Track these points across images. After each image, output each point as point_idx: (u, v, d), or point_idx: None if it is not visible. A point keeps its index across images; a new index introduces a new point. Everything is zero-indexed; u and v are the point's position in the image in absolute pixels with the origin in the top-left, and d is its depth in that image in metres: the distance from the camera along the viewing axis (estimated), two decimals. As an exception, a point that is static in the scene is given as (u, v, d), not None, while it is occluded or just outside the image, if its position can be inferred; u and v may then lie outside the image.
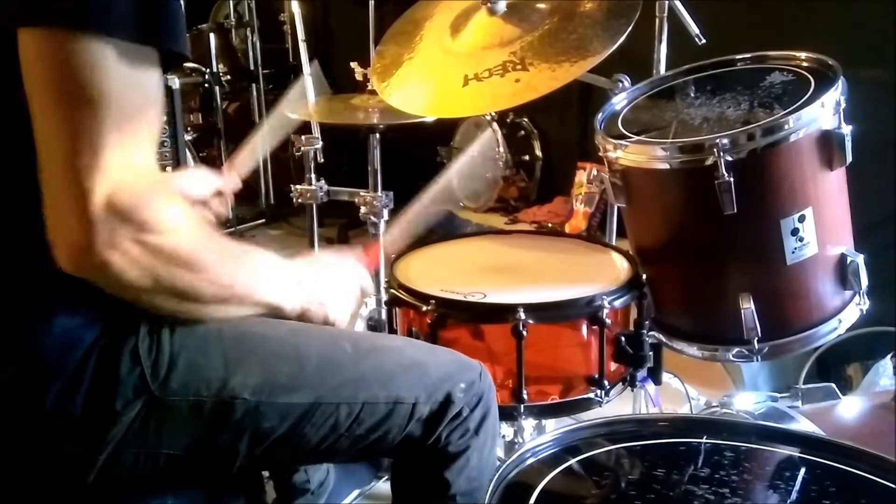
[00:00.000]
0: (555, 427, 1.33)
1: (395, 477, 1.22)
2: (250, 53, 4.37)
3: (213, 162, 4.24)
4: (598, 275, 1.54)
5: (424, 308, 1.41)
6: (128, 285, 0.88)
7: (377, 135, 2.11)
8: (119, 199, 0.83)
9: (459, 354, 1.22)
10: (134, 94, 0.85)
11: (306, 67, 2.40)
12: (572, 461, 1.01)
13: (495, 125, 3.41)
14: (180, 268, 0.90)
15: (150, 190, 0.87)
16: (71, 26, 0.81)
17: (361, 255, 1.30)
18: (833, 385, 1.72)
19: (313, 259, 1.21)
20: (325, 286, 1.16)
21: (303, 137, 2.23)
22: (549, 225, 3.25)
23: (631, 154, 1.49)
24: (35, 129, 0.84)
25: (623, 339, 1.48)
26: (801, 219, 1.43)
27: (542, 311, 1.39)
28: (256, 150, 1.54)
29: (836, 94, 1.42)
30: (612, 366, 1.49)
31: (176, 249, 0.89)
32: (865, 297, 1.56)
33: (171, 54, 0.89)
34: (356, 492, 1.83)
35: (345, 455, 1.13)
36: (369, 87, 2.09)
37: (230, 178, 1.49)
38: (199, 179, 1.43)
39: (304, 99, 2.32)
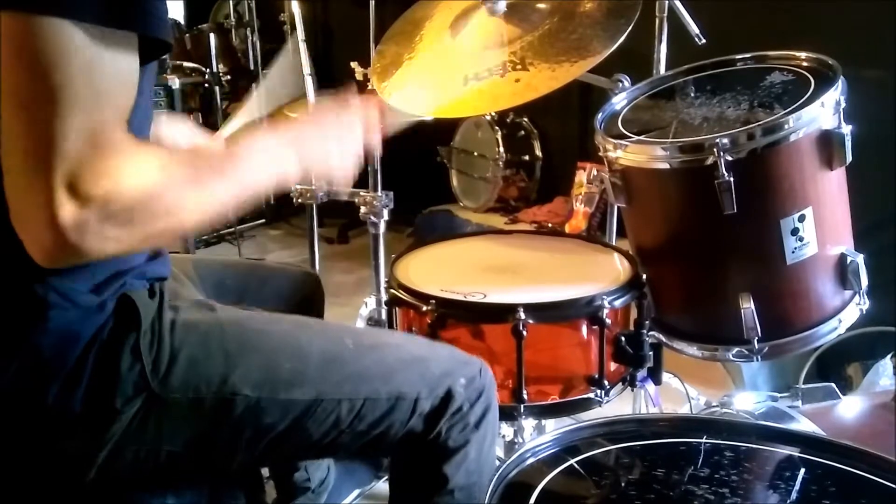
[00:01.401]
0: (555, 427, 1.33)
1: (393, 470, 1.22)
2: (250, 53, 4.37)
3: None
4: (598, 275, 1.54)
5: (424, 308, 1.41)
6: (110, 256, 0.87)
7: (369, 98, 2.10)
8: (79, 185, 0.80)
9: (460, 351, 1.22)
10: (100, 78, 0.82)
11: (306, 67, 2.39)
12: (572, 461, 1.01)
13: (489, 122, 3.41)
14: (158, 220, 0.88)
15: (110, 163, 0.83)
16: (35, 10, 0.79)
17: (363, 101, 1.22)
18: (833, 385, 1.72)
19: (310, 116, 1.15)
20: (325, 143, 1.10)
21: (294, 115, 2.23)
22: (549, 225, 3.25)
23: (631, 154, 1.49)
24: (2, 119, 0.82)
25: (623, 339, 1.48)
26: (801, 218, 1.43)
27: (542, 311, 1.39)
28: (246, 117, 1.51)
29: (836, 94, 1.42)
30: (612, 366, 1.49)
31: (147, 209, 0.86)
32: (865, 297, 1.56)
33: (153, 41, 0.87)
34: (356, 491, 1.83)
35: (346, 450, 1.12)
36: (369, 87, 2.09)
37: (213, 139, 1.46)
38: (179, 131, 1.40)
39: (304, 99, 2.32)
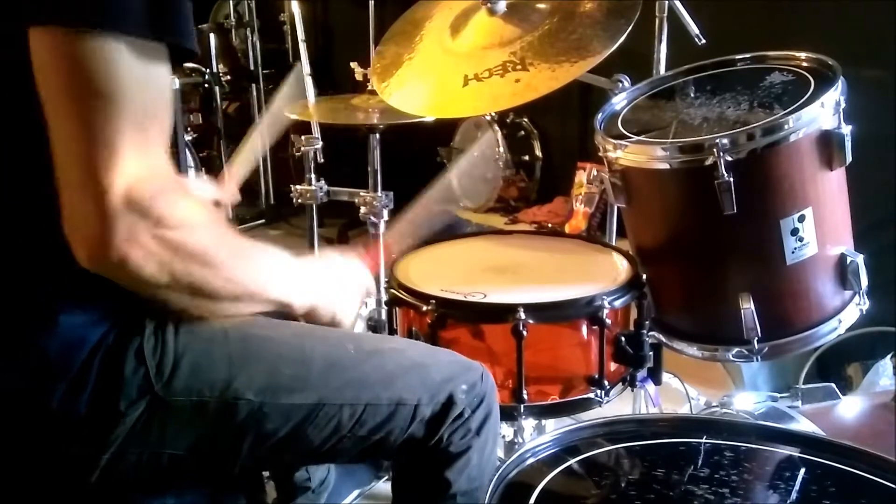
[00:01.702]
0: (555, 427, 1.33)
1: (395, 476, 1.22)
2: (250, 53, 4.37)
3: (213, 162, 4.24)
4: (598, 275, 1.54)
5: (424, 308, 1.41)
6: (145, 280, 0.88)
7: (377, 135, 2.11)
8: (136, 194, 0.83)
9: (461, 356, 1.22)
10: (147, 91, 0.85)
11: (306, 67, 2.39)
12: (572, 461, 1.01)
13: (496, 126, 3.41)
14: (196, 263, 0.91)
15: (166, 185, 0.87)
16: (83, 25, 0.81)
17: (363, 257, 1.30)
18: (833, 385, 1.72)
19: (320, 257, 1.21)
20: (332, 285, 1.17)
21: (303, 137, 2.23)
22: (549, 225, 3.25)
23: (631, 154, 1.49)
24: (51, 129, 0.84)
25: (623, 339, 1.48)
26: (801, 219, 1.43)
27: (542, 311, 1.39)
28: (252, 154, 1.54)
29: (835, 94, 1.42)
30: (612, 366, 1.49)
31: (192, 245, 0.89)
32: (865, 297, 1.56)
33: (179, 51, 0.89)
34: (356, 491, 1.83)
35: (347, 456, 1.13)
36: (369, 87, 2.09)
37: (228, 188, 1.49)
38: (198, 187, 1.44)
39: (304, 99, 2.32)
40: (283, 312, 1.08)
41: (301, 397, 1.04)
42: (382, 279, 1.75)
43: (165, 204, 0.86)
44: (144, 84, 0.84)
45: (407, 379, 1.12)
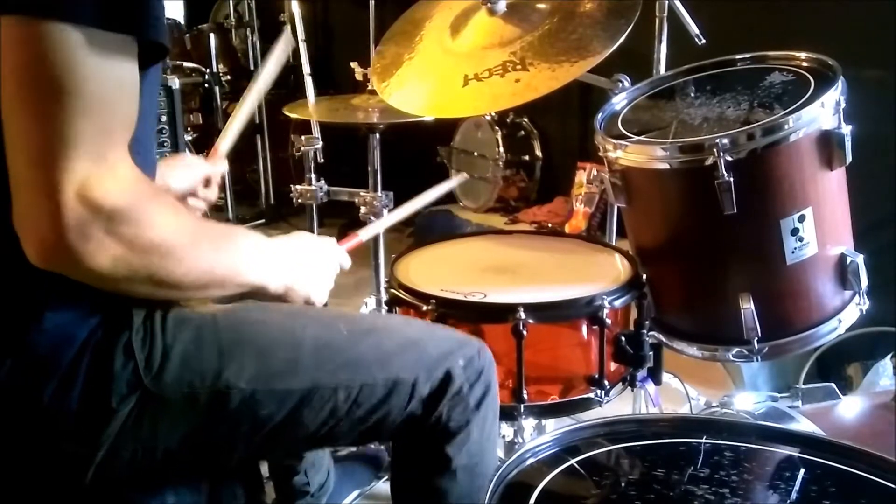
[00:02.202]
0: (555, 427, 1.33)
1: (395, 453, 1.21)
2: (250, 53, 4.38)
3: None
4: (598, 275, 1.54)
5: (424, 308, 1.41)
6: (101, 276, 0.86)
7: (377, 135, 2.11)
8: (89, 191, 0.82)
9: (458, 332, 1.21)
10: (107, 85, 0.83)
11: (306, 67, 2.39)
12: (572, 461, 1.01)
13: (496, 126, 3.41)
14: (155, 257, 0.89)
15: (122, 180, 0.85)
16: (39, 14, 0.79)
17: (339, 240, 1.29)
18: (833, 385, 1.72)
19: (293, 237, 1.19)
20: (306, 265, 1.15)
21: (303, 137, 2.24)
22: (549, 225, 3.25)
23: (631, 154, 1.49)
24: (4, 123, 0.82)
25: (623, 339, 1.48)
26: (801, 219, 1.43)
27: (542, 311, 1.39)
28: (238, 125, 1.52)
29: (835, 94, 1.42)
30: (612, 366, 1.49)
31: (149, 238, 0.87)
32: (865, 297, 1.56)
33: (150, 45, 0.87)
34: (356, 492, 1.83)
35: (346, 439, 1.12)
36: (369, 87, 2.09)
37: (216, 163, 1.48)
38: (185, 168, 1.42)
39: (304, 99, 2.32)
40: (258, 295, 1.06)
41: (294, 382, 1.03)
42: (382, 278, 1.74)
43: (120, 199, 0.84)
44: (104, 78, 0.82)
45: (403, 357, 1.11)
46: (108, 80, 0.83)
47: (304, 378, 1.04)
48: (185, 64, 4.08)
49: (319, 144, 2.27)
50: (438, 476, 1.15)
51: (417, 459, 1.17)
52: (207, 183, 1.45)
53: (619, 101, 1.67)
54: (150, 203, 0.88)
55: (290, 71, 4.24)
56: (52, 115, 0.80)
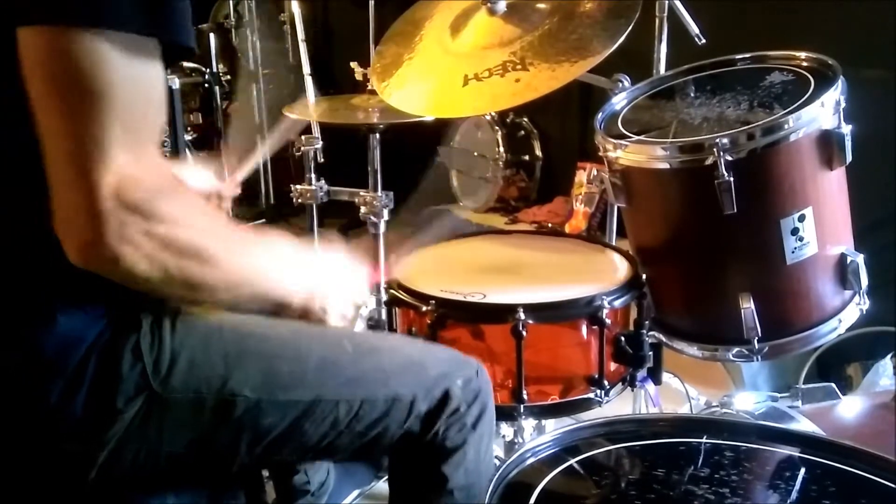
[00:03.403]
0: (555, 427, 1.33)
1: (392, 472, 1.23)
2: (250, 53, 4.37)
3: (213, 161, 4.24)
4: (598, 275, 1.54)
5: (424, 308, 1.41)
6: (138, 277, 0.88)
7: (377, 135, 2.11)
8: (127, 191, 0.83)
9: (457, 352, 1.23)
10: (137, 88, 0.85)
11: (306, 67, 2.39)
12: (572, 461, 1.01)
13: (496, 126, 3.41)
14: (190, 259, 0.90)
15: (158, 181, 0.87)
16: (71, 23, 0.80)
17: (368, 266, 1.30)
18: (833, 385, 1.72)
19: (322, 252, 1.21)
20: (330, 282, 1.17)
21: (303, 137, 2.23)
22: (549, 225, 3.25)
23: (631, 154, 1.49)
24: (40, 126, 0.84)
25: (623, 339, 1.48)
26: (801, 218, 1.43)
27: (542, 311, 1.39)
28: (256, 155, 1.54)
29: (835, 94, 1.42)
30: (612, 366, 1.49)
31: (186, 240, 0.89)
32: (865, 296, 1.56)
33: (176, 48, 0.88)
34: (356, 492, 1.83)
35: (344, 452, 1.13)
36: (369, 87, 2.09)
37: (230, 184, 1.50)
38: (199, 176, 1.44)
39: (304, 99, 2.32)
40: (280, 305, 1.08)
41: (298, 394, 1.04)
42: (382, 285, 1.74)
43: (157, 200, 0.86)
44: (134, 80, 0.84)
45: (403, 375, 1.13)
46: (141, 83, 0.85)
47: (307, 391, 1.05)
48: (185, 64, 4.07)
49: (319, 144, 2.26)
50: (436, 497, 1.16)
51: (415, 480, 1.19)
52: (218, 198, 1.47)
53: (619, 101, 1.67)
54: (185, 204, 0.90)
55: (290, 71, 4.25)
56: (88, 119, 0.82)
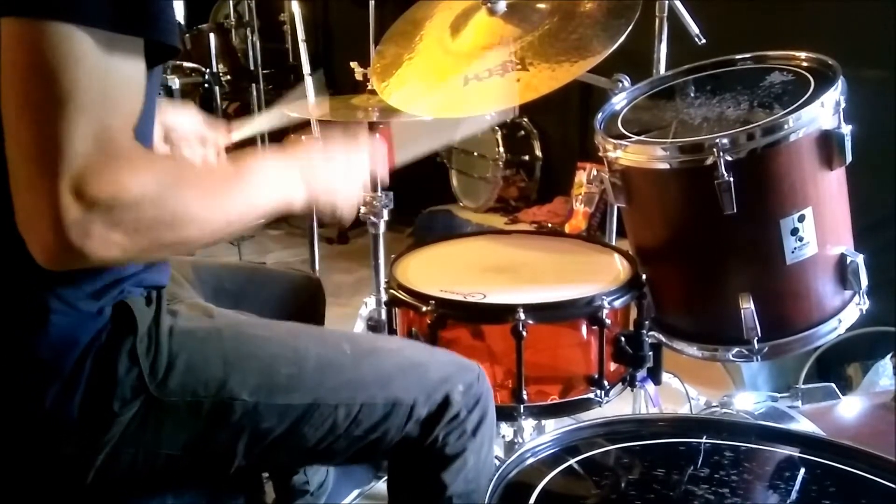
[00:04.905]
0: (555, 427, 1.33)
1: (391, 478, 1.22)
2: (250, 53, 4.37)
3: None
4: (598, 275, 1.54)
5: (424, 308, 1.41)
6: (113, 262, 0.86)
7: (377, 135, 2.11)
8: (88, 189, 0.80)
9: (458, 356, 1.22)
10: (109, 85, 0.81)
11: (306, 67, 2.39)
12: (572, 461, 1.01)
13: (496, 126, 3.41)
14: (166, 229, 0.87)
15: (117, 168, 0.82)
16: (44, 15, 0.78)
17: (374, 139, 1.24)
18: (833, 385, 1.72)
19: (319, 145, 1.16)
20: (332, 174, 1.11)
21: (303, 137, 2.23)
22: (549, 225, 3.25)
23: (631, 154, 1.49)
24: (5, 126, 0.81)
25: (623, 339, 1.48)
26: (801, 218, 1.43)
27: (542, 311, 1.39)
28: (254, 122, 1.52)
29: (835, 94, 1.42)
30: (612, 366, 1.49)
31: (157, 216, 0.85)
32: (865, 297, 1.56)
33: (160, 46, 0.86)
34: (356, 492, 1.83)
35: (343, 456, 1.12)
36: (369, 87, 2.09)
37: (222, 132, 1.45)
38: (187, 119, 1.40)
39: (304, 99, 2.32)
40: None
41: (296, 397, 1.04)
42: (382, 278, 1.74)
43: (121, 190, 0.81)
44: (105, 80, 0.81)
45: (403, 379, 1.11)
46: (112, 78, 0.82)
47: (305, 394, 1.04)
48: (185, 64, 4.08)
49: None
50: (434, 503, 1.14)
51: (414, 486, 1.18)
52: (203, 142, 1.42)
53: (619, 101, 1.67)
54: (156, 174, 0.86)
55: (290, 71, 4.25)
56: (48, 118, 0.79)
